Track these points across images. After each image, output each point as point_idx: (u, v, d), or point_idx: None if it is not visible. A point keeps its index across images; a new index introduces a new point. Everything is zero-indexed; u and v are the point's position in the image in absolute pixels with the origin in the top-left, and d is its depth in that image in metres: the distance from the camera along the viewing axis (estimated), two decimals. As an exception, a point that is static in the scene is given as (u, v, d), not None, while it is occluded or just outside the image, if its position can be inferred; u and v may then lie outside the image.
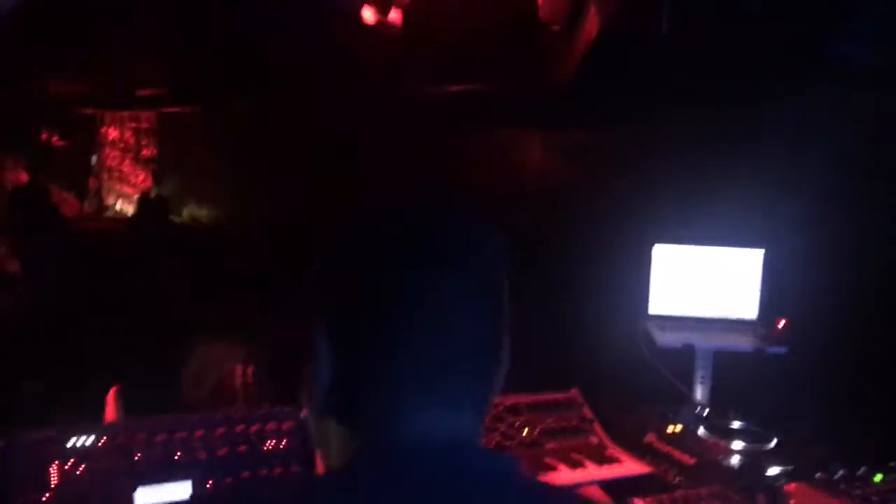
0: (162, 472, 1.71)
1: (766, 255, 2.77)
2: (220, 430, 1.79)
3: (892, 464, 2.15)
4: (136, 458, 1.71)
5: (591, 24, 2.95)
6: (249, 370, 1.97)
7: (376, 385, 0.88)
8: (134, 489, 1.69)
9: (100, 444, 1.71)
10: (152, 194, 10.30)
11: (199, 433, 1.78)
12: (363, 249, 0.91)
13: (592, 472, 2.18)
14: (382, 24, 3.11)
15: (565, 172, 4.19)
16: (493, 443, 2.26)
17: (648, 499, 1.99)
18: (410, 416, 0.87)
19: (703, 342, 2.69)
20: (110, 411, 1.87)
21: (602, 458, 2.25)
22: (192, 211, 9.81)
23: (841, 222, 2.99)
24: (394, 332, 0.87)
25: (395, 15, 3.13)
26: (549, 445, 2.32)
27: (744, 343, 2.71)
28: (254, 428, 1.82)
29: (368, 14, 3.14)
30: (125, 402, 1.87)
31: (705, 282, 2.78)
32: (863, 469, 2.11)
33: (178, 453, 1.74)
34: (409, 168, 4.77)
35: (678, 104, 3.13)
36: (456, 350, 0.88)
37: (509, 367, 0.95)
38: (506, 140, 4.52)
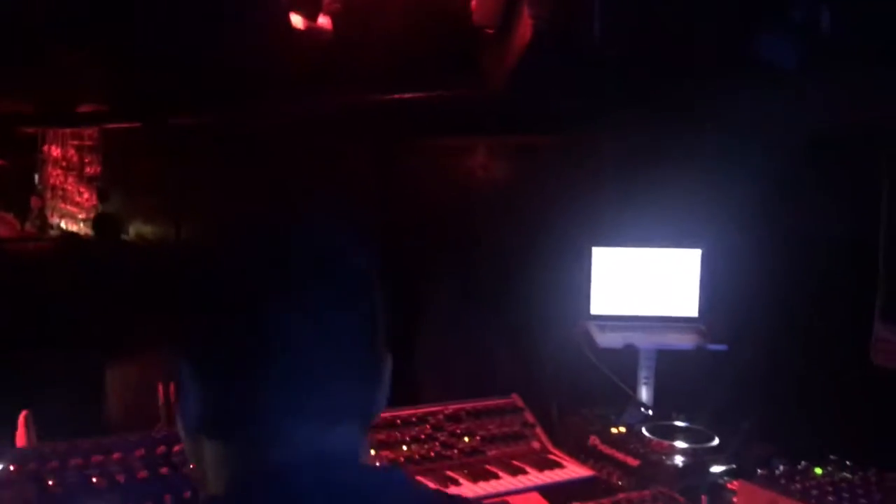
0: (78, 498, 1.62)
1: (703, 255, 2.78)
2: (140, 451, 1.71)
3: (832, 457, 2.15)
4: (50, 484, 1.63)
5: (524, 28, 2.93)
6: (172, 389, 1.88)
7: (249, 404, 0.84)
8: (49, 517, 1.61)
9: (10, 471, 1.62)
10: (102, 212, 10.08)
11: (116, 456, 1.70)
12: (224, 270, 0.88)
13: (534, 477, 2.15)
14: (312, 30, 3.06)
15: (503, 178, 4.17)
16: (433, 452, 2.21)
17: (590, 503, 1.96)
18: (287, 432, 0.83)
19: (645, 341, 2.68)
20: (20, 436, 1.78)
21: (544, 464, 2.22)
22: (138, 228, 9.61)
23: (778, 220, 3.01)
24: (262, 351, 0.83)
25: (324, 20, 3.09)
26: (491, 452, 2.28)
27: (685, 341, 2.71)
28: (176, 448, 1.75)
29: (297, 20, 3.09)
30: (36, 427, 1.78)
31: (645, 282, 2.78)
32: (803, 464, 2.11)
33: (95, 478, 1.66)
34: (339, 176, 4.73)
35: (612, 108, 3.13)
36: (330, 365, 0.84)
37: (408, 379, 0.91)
38: (441, 147, 4.50)
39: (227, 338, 0.84)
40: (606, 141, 3.53)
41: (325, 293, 0.85)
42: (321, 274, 0.86)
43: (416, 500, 0.87)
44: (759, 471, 2.06)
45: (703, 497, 2.10)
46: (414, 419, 2.29)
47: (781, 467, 2.08)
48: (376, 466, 0.90)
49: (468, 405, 2.40)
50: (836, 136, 2.89)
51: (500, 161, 4.22)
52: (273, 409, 0.83)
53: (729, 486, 2.18)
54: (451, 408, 2.38)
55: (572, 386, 2.73)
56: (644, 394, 2.71)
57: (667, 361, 2.74)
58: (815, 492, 1.94)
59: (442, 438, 2.27)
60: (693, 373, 2.76)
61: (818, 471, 2.09)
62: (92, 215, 10.91)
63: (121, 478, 1.67)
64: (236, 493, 0.82)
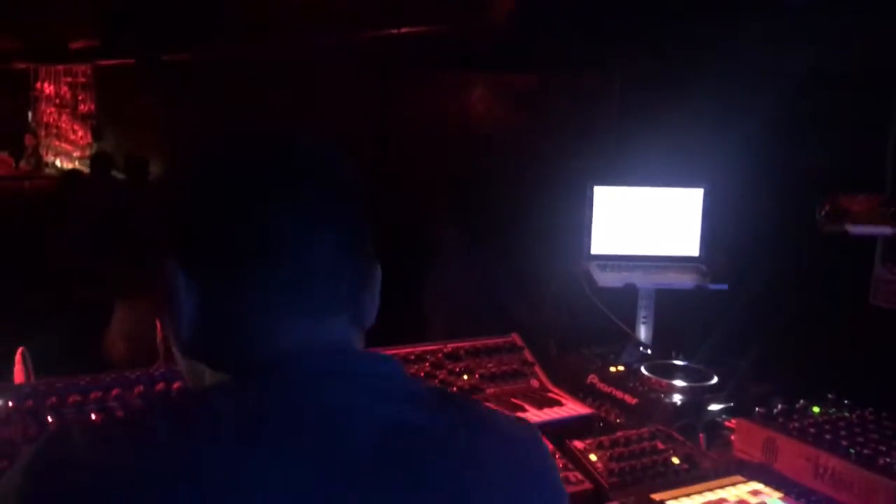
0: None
1: (705, 194, 2.75)
2: (138, 388, 1.71)
3: (829, 396, 2.16)
4: (49, 420, 1.62)
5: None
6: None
7: (244, 308, 0.84)
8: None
9: (9, 407, 1.62)
10: (96, 151, 9.99)
11: (115, 392, 1.69)
12: (214, 176, 0.87)
13: (533, 415, 2.15)
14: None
15: (506, 115, 4.11)
16: (432, 390, 2.22)
17: (588, 440, 1.97)
18: (283, 331, 0.84)
19: (645, 281, 2.67)
20: (18, 373, 1.77)
21: (543, 401, 2.23)
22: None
23: (780, 160, 2.97)
24: (253, 250, 0.83)
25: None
26: (490, 390, 2.28)
27: (685, 281, 2.69)
28: (175, 385, 1.74)
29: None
30: (34, 364, 1.77)
31: (646, 222, 2.75)
32: (801, 402, 2.12)
33: (94, 414, 1.66)
34: (346, 110, 4.66)
35: (616, 47, 3.07)
36: (320, 265, 0.85)
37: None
38: (445, 83, 4.43)
39: (218, 238, 0.84)
40: (609, 79, 3.47)
41: (313, 197, 0.86)
42: (310, 179, 0.87)
43: (410, 385, 0.88)
44: (756, 409, 2.07)
45: (700, 435, 2.11)
46: (413, 357, 2.30)
47: (779, 406, 2.08)
48: (375, 353, 0.89)
49: (467, 344, 2.40)
50: (842, 75, 2.84)
51: (502, 99, 4.16)
52: (266, 307, 0.84)
53: (727, 424, 2.19)
54: (451, 346, 2.38)
55: (572, 325, 2.72)
56: (643, 333, 2.71)
57: (666, 301, 2.73)
58: (812, 430, 1.95)
59: (441, 376, 2.27)
60: (692, 312, 2.76)
61: (816, 409, 2.10)
62: (87, 153, 10.83)
63: (120, 414, 1.66)
64: (235, 381, 0.83)
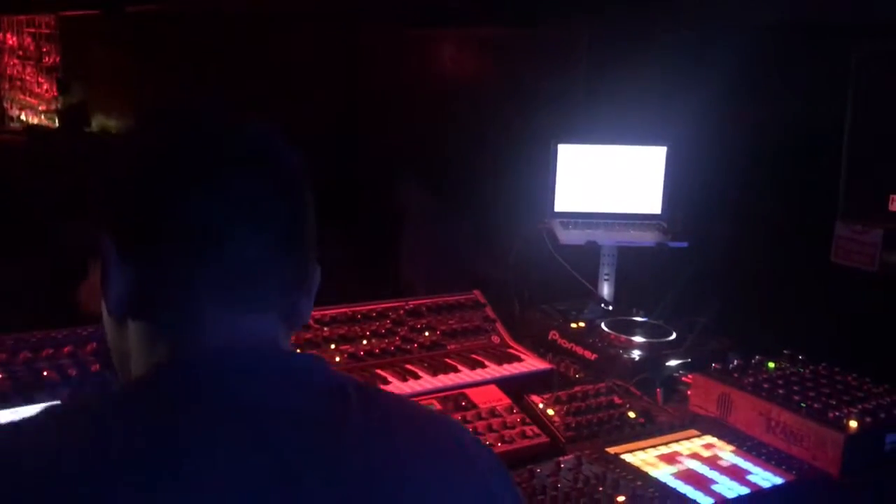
0: (28, 392, 1.60)
1: (668, 152, 2.75)
2: (92, 345, 1.69)
3: (785, 352, 2.19)
4: (-1, 377, 1.61)
5: None
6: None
7: (173, 288, 0.83)
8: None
9: (-42, 365, 1.60)
10: (67, 104, 9.77)
11: (67, 349, 1.68)
12: (147, 159, 0.86)
13: (493, 370, 2.17)
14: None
15: (471, 72, 4.07)
16: (393, 346, 2.22)
17: (546, 395, 1.99)
18: (206, 322, 0.83)
19: (607, 238, 2.68)
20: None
21: (503, 357, 2.24)
22: (101, 122, 9.36)
23: (743, 118, 2.98)
24: (189, 235, 0.82)
25: None
26: (451, 347, 2.29)
27: (647, 238, 2.71)
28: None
29: None
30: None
31: (610, 180, 2.76)
32: (757, 358, 2.15)
33: (46, 371, 1.64)
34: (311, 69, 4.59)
35: (582, 4, 3.04)
36: (257, 257, 0.83)
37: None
38: (410, 39, 4.37)
39: (147, 223, 0.83)
40: (576, 35, 3.44)
41: (255, 185, 0.84)
42: (248, 171, 0.84)
43: (333, 381, 0.86)
44: (713, 365, 2.10)
45: (657, 390, 2.14)
46: (374, 314, 2.29)
47: (735, 361, 2.11)
48: (297, 352, 0.89)
49: (429, 300, 2.40)
50: (803, 32, 2.84)
51: (468, 55, 4.11)
52: (198, 295, 0.82)
53: (684, 379, 2.22)
54: (412, 303, 2.38)
55: (534, 282, 2.73)
56: (605, 290, 2.73)
57: (628, 258, 2.75)
58: (766, 385, 1.98)
59: (402, 333, 2.28)
60: (654, 269, 2.78)
61: (771, 365, 2.13)
62: (52, 107, 10.61)
63: (73, 371, 1.65)
64: (154, 377, 0.81)
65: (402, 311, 2.34)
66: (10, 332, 1.70)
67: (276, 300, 0.86)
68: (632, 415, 1.97)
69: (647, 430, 1.92)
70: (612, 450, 1.80)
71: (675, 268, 2.72)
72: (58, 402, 0.86)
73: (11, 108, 11.90)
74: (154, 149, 0.86)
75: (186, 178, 0.82)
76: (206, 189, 0.82)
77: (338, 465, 0.78)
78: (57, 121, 8.95)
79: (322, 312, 2.22)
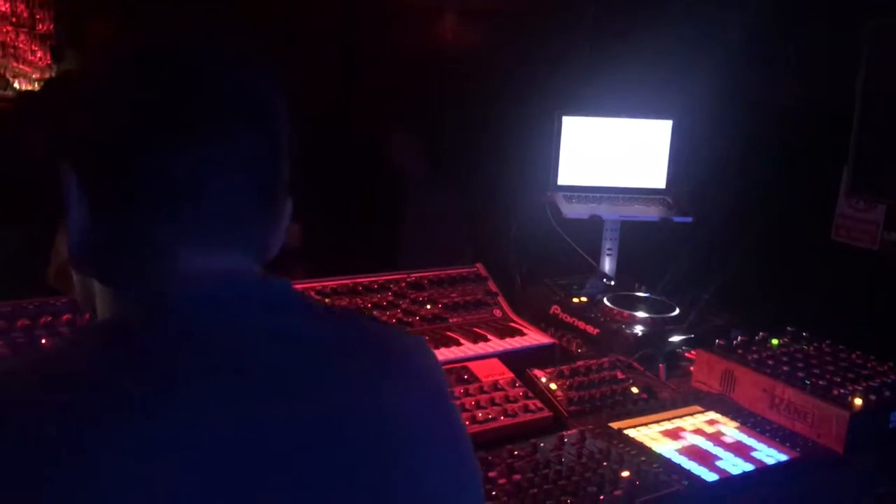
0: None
1: (674, 126, 2.71)
2: (66, 316, 1.65)
3: (789, 329, 2.18)
4: (-2, 344, 1.58)
5: None
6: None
7: (139, 232, 0.81)
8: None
9: (-45, 332, 1.57)
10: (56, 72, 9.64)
11: (66, 317, 1.65)
12: (110, 90, 0.82)
13: (495, 344, 2.15)
14: None
15: (473, 44, 4.02)
16: (395, 319, 2.20)
17: (549, 369, 1.98)
18: (173, 258, 0.81)
19: (611, 212, 2.65)
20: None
21: (505, 331, 2.22)
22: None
23: (749, 92, 2.95)
24: (155, 178, 0.79)
25: None
26: (453, 320, 2.28)
27: (651, 213, 2.68)
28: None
29: None
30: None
31: (614, 153, 2.72)
32: (760, 335, 2.13)
33: (44, 339, 1.61)
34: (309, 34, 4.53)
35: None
36: (225, 195, 0.81)
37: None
38: (408, 9, 4.31)
39: (108, 157, 0.79)
40: (580, 5, 3.40)
41: (236, 132, 0.81)
42: (221, 101, 0.81)
43: (303, 301, 0.88)
44: (717, 341, 2.09)
45: (660, 365, 2.12)
46: (376, 286, 2.27)
47: (739, 338, 2.10)
48: (267, 276, 0.87)
49: (431, 273, 2.38)
50: (813, 4, 2.81)
51: (470, 26, 4.06)
52: (165, 239, 0.80)
53: (686, 355, 2.21)
54: (414, 276, 2.36)
55: (537, 256, 2.71)
56: (607, 265, 2.71)
57: (632, 233, 2.72)
58: (769, 361, 1.97)
59: (404, 305, 2.26)
60: (657, 244, 2.76)
61: (775, 342, 2.12)
62: (46, 75, 10.49)
63: (46, 343, 1.62)
64: (125, 318, 0.80)
65: (403, 284, 2.32)
66: (9, 299, 1.67)
67: (248, 241, 0.85)
68: (634, 390, 1.96)
69: (650, 405, 1.91)
70: (615, 425, 1.79)
71: (679, 243, 2.70)
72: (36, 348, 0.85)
73: (5, 75, 11.78)
74: (117, 81, 0.82)
75: (150, 115, 0.79)
76: (184, 135, 0.79)
77: (317, 377, 0.80)
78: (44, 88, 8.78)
79: (323, 284, 2.20)
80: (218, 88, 0.81)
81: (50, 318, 1.66)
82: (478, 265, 2.47)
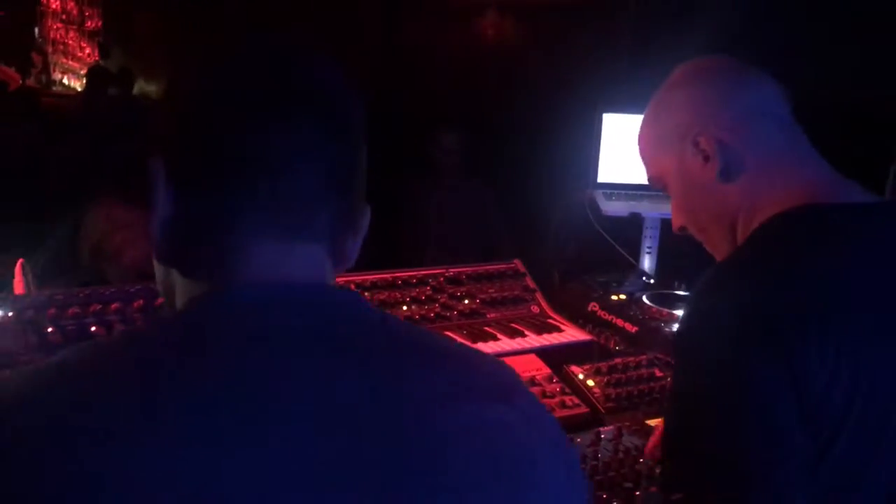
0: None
1: (717, 122, 2.68)
2: (138, 302, 1.71)
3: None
4: (49, 331, 1.63)
5: None
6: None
7: (215, 219, 0.82)
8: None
9: (9, 317, 1.63)
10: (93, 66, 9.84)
11: (115, 306, 1.70)
12: (202, 83, 0.85)
13: (532, 340, 2.16)
14: None
15: (514, 40, 4.02)
16: (433, 313, 2.22)
17: (586, 366, 1.98)
18: (251, 252, 0.81)
19: (651, 210, 2.64)
20: (18, 284, 1.77)
21: (543, 327, 2.23)
22: (141, 86, 9.44)
23: (798, 87, 2.90)
24: (242, 165, 0.81)
25: None
26: (490, 315, 2.29)
27: (692, 211, 2.66)
28: (175, 300, 1.74)
29: None
30: (34, 276, 1.77)
31: (655, 150, 2.70)
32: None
33: (94, 326, 1.66)
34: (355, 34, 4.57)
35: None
36: (301, 191, 0.82)
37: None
38: (449, 6, 4.32)
39: (197, 146, 0.82)
40: (624, 4, 3.38)
41: (311, 121, 0.83)
42: (310, 102, 0.83)
43: (372, 317, 0.85)
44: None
45: (699, 364, 2.11)
46: (414, 280, 2.29)
47: (779, 337, 2.08)
48: (342, 288, 0.87)
49: (469, 269, 2.39)
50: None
51: (512, 23, 4.06)
52: (244, 227, 0.81)
53: (726, 353, 2.19)
54: (453, 270, 2.37)
55: (575, 253, 2.71)
56: (647, 263, 2.70)
57: (671, 231, 2.70)
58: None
59: (442, 300, 2.28)
60: (697, 243, 2.74)
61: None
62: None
63: (119, 327, 1.67)
64: (195, 308, 0.80)
65: (441, 279, 2.34)
66: (61, 287, 1.72)
67: (323, 234, 0.85)
68: (672, 388, 1.95)
69: (688, 403, 1.90)
70: (652, 422, 1.78)
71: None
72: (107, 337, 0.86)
73: (54, 71, 12.05)
74: (209, 74, 0.86)
75: (245, 109, 0.81)
76: (262, 121, 0.81)
77: (385, 398, 0.76)
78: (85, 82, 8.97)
79: (363, 277, 2.23)
80: (298, 79, 0.84)
81: (121, 304, 1.72)
82: (516, 261, 2.48)
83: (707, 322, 1.23)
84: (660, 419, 1.80)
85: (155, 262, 0.91)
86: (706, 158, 1.36)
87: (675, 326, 2.24)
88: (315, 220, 0.84)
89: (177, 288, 0.87)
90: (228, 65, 0.86)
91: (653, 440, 1.58)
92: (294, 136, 0.81)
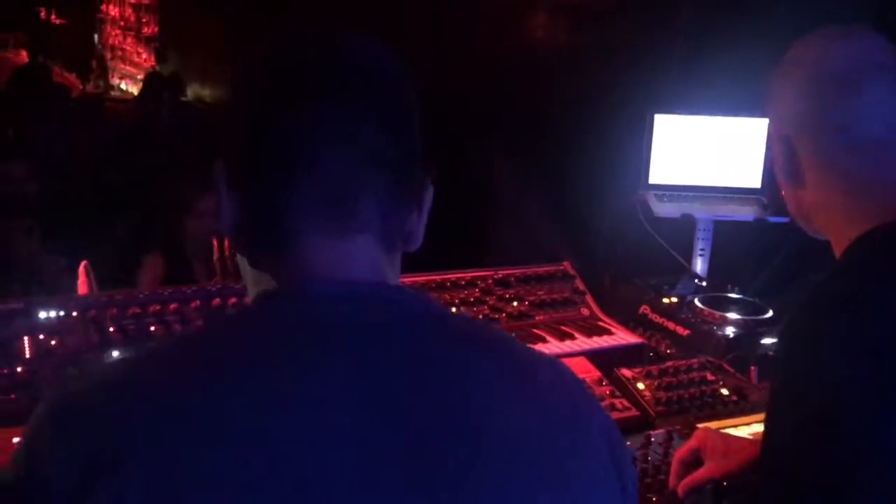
0: (136, 346, 1.68)
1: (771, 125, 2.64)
2: (195, 303, 1.75)
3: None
4: (110, 331, 1.69)
5: None
6: (227, 242, 1.91)
7: (273, 215, 0.84)
8: (109, 362, 1.67)
9: (73, 317, 1.68)
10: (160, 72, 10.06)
11: (173, 306, 1.75)
12: (255, 78, 0.87)
13: (582, 343, 2.15)
14: None
15: (565, 41, 4.00)
16: (482, 315, 2.23)
17: (637, 369, 1.97)
18: (310, 246, 0.83)
19: (704, 212, 2.61)
20: (82, 285, 1.84)
21: (593, 330, 2.22)
22: (196, 91, 9.62)
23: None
24: (281, 157, 0.83)
25: None
26: (539, 317, 2.29)
27: (745, 213, 2.63)
28: (231, 301, 1.79)
29: None
30: (97, 277, 1.83)
31: (707, 152, 2.68)
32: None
33: (153, 326, 1.71)
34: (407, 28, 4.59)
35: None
36: (349, 174, 0.83)
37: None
38: (500, 6, 4.32)
39: (253, 142, 0.84)
40: (675, 3, 3.35)
41: (347, 107, 0.83)
42: (361, 87, 0.84)
43: (434, 315, 0.86)
44: (811, 344, 2.03)
45: (752, 368, 2.08)
46: (463, 282, 2.31)
47: (835, 341, 2.04)
48: (399, 286, 0.88)
49: (518, 271, 2.40)
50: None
51: (561, 22, 4.05)
52: (293, 220, 0.83)
53: (779, 358, 2.16)
54: (502, 273, 2.38)
55: (627, 255, 2.69)
56: (699, 265, 2.67)
57: (725, 233, 2.67)
58: (868, 367, 1.91)
59: (491, 302, 2.28)
60: (751, 245, 2.70)
61: (873, 347, 2.05)
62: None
63: (178, 327, 1.72)
64: (254, 306, 0.85)
65: (490, 281, 2.35)
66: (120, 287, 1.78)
67: (373, 221, 0.84)
68: (724, 392, 1.93)
69: (741, 407, 1.89)
70: (703, 426, 1.77)
71: (773, 244, 2.64)
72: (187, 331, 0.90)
73: (112, 77, 12.34)
74: (253, 74, 0.88)
75: (278, 102, 0.83)
76: (296, 112, 0.82)
77: (440, 398, 0.78)
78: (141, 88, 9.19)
79: (412, 279, 2.25)
80: (349, 65, 0.85)
81: (179, 305, 1.78)
82: (565, 263, 2.47)
83: (816, 357, 1.19)
84: (712, 423, 1.78)
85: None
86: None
87: (728, 329, 2.22)
88: (359, 208, 0.83)
89: (247, 281, 0.92)
90: (271, 61, 0.87)
91: (690, 478, 1.48)
92: (325, 124, 0.82)
